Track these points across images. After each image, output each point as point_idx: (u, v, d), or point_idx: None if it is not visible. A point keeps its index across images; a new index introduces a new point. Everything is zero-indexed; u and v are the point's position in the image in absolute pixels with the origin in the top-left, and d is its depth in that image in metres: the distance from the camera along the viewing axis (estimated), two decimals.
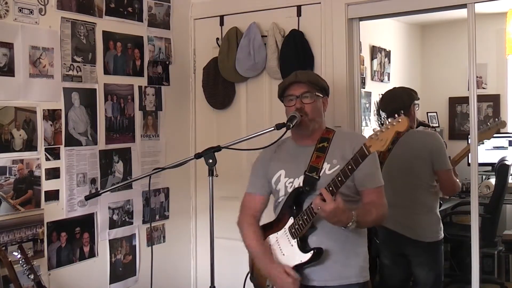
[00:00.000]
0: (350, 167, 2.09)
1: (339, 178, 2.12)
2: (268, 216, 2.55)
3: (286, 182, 2.41)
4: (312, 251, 2.26)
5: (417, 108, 3.43)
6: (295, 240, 2.30)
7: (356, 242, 2.35)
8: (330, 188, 2.12)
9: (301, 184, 2.34)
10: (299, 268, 2.29)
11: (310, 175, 2.32)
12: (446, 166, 3.23)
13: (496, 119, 3.51)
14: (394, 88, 3.58)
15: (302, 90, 2.37)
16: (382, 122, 3.74)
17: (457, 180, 3.33)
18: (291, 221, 2.32)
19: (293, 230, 2.30)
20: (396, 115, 2.01)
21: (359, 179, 2.31)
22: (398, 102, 3.36)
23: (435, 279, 3.29)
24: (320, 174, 2.31)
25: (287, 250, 2.34)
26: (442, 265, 3.37)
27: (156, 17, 3.55)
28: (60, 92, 2.97)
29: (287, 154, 2.45)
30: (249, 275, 2.57)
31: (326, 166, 2.33)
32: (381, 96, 3.58)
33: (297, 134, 2.41)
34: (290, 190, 2.39)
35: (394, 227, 3.18)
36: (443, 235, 3.32)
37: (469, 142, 3.35)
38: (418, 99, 3.45)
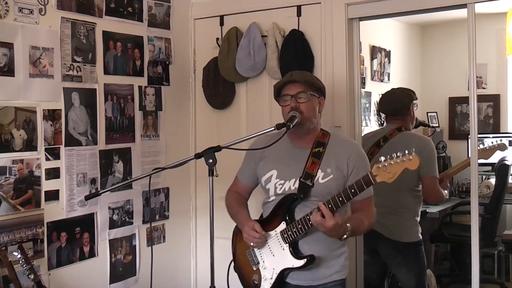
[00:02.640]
0: (353, 190, 2.17)
1: (340, 199, 2.19)
2: (255, 208, 2.63)
3: (277, 183, 2.45)
4: (306, 259, 2.34)
5: (415, 108, 3.44)
6: (287, 245, 2.36)
7: (339, 244, 2.41)
8: (330, 206, 2.19)
9: (295, 189, 2.38)
10: (287, 270, 2.38)
11: (304, 182, 2.37)
12: (432, 173, 3.21)
13: (497, 141, 3.53)
14: (393, 89, 3.59)
15: (297, 89, 2.39)
16: (382, 122, 3.73)
17: (444, 191, 3.31)
18: (283, 225, 2.38)
19: (285, 236, 2.36)
20: (407, 151, 2.04)
21: None
22: (397, 103, 3.38)
23: (416, 281, 3.27)
24: (314, 182, 2.36)
25: (277, 252, 2.40)
26: (424, 267, 3.35)
27: (156, 17, 3.55)
28: (60, 92, 2.97)
29: (280, 154, 2.47)
30: (232, 264, 2.63)
31: (320, 174, 2.37)
32: (380, 97, 3.59)
33: (292, 134, 2.43)
34: (279, 191, 2.43)
35: None
36: (421, 237, 3.32)
37: (469, 143, 3.35)
38: (416, 99, 3.47)
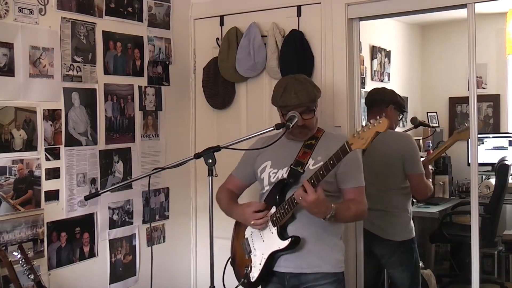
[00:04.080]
0: (331, 162, 2.22)
1: (321, 172, 2.24)
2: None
3: (270, 172, 2.53)
4: (289, 239, 2.39)
5: (399, 116, 3.45)
6: (275, 228, 2.42)
7: (331, 235, 2.47)
8: (312, 181, 2.25)
9: (286, 176, 2.45)
10: (275, 254, 2.43)
11: (295, 169, 2.44)
12: (418, 171, 3.25)
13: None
14: (374, 89, 3.63)
15: (302, 108, 2.44)
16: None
17: (429, 182, 3.36)
18: (273, 210, 2.44)
19: (274, 219, 2.43)
20: (378, 117, 2.10)
21: (341, 177, 2.44)
22: (378, 94, 3.46)
23: (411, 279, 3.31)
24: (305, 169, 2.43)
25: (267, 237, 2.46)
26: (418, 264, 3.40)
27: (156, 17, 3.55)
28: (60, 92, 2.97)
29: (275, 147, 2.52)
30: (230, 260, 2.69)
31: (310, 161, 2.45)
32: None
33: (291, 134, 2.49)
34: (272, 180, 2.51)
35: (365, 226, 3.24)
36: (414, 234, 3.37)
37: (469, 142, 3.36)
38: (403, 106, 3.48)
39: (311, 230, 2.40)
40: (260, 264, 2.46)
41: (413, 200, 3.58)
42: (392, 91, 3.52)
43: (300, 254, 2.41)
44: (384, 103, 3.37)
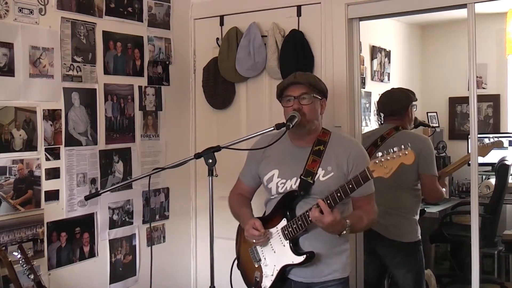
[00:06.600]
0: (350, 186, 2.18)
1: (338, 194, 2.20)
2: (256, 207, 2.63)
3: (278, 183, 2.46)
4: (305, 255, 2.34)
5: (414, 109, 3.44)
6: (288, 241, 2.37)
7: (340, 242, 2.42)
8: (328, 201, 2.20)
9: (296, 187, 2.39)
10: (288, 266, 2.39)
11: (305, 179, 2.37)
12: (431, 172, 3.22)
13: (494, 138, 3.54)
14: (392, 89, 3.59)
15: (300, 91, 2.40)
16: (381, 122, 3.75)
17: (442, 189, 3.33)
18: (284, 222, 2.39)
19: (286, 232, 2.37)
20: (403, 146, 2.05)
21: None
22: (395, 103, 3.38)
23: (415, 281, 3.27)
24: (315, 179, 2.37)
25: (278, 249, 2.41)
26: (423, 268, 3.36)
27: (156, 17, 3.55)
28: (60, 92, 2.97)
29: (282, 154, 2.48)
30: (235, 262, 2.64)
31: (320, 172, 2.38)
32: (379, 97, 3.59)
33: (293, 134, 2.44)
34: (281, 190, 2.45)
35: None
36: (420, 237, 3.33)
37: (469, 142, 3.36)
38: (416, 100, 3.47)
39: (323, 240, 2.35)
40: (272, 275, 2.42)
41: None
42: (405, 93, 3.46)
43: (311, 264, 2.36)
44: (405, 110, 3.36)
